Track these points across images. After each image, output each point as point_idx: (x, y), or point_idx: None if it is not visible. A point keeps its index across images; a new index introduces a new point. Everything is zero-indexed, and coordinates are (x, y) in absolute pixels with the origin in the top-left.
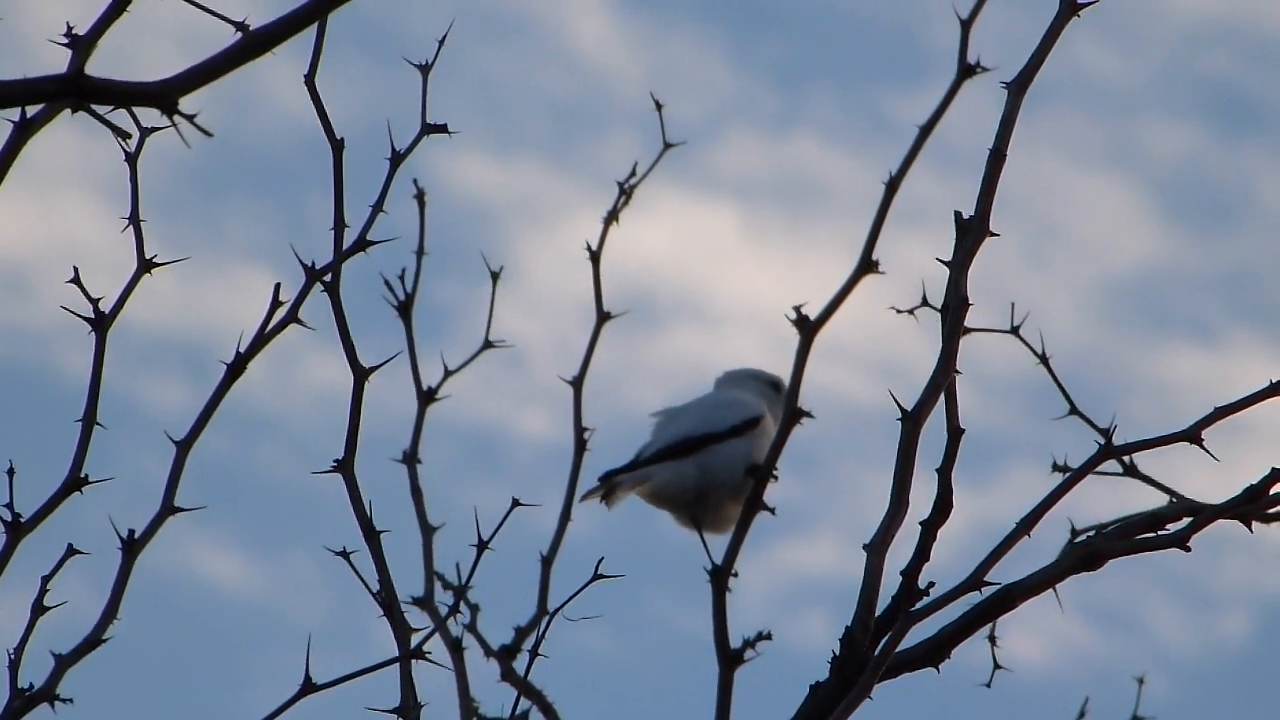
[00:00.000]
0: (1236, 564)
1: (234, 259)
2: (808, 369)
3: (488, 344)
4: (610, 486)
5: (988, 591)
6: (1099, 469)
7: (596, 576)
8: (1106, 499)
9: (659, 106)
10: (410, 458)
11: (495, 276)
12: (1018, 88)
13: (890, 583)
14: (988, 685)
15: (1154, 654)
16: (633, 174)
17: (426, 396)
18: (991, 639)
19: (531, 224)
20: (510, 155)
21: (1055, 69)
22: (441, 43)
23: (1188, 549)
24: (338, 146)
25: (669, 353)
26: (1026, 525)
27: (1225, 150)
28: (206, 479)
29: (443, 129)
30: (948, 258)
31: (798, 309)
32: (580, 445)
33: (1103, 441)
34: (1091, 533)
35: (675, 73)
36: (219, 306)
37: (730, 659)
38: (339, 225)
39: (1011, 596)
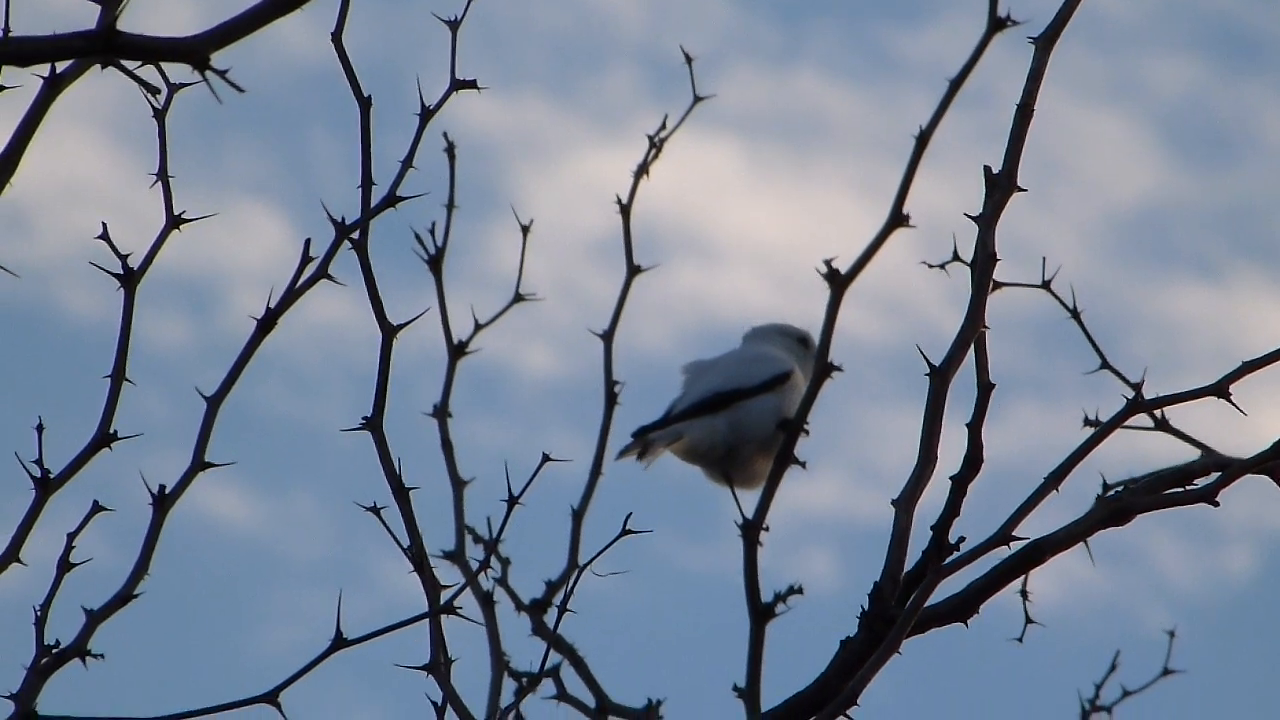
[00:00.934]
0: (1241, 500)
1: (230, 194)
2: (838, 320)
3: (518, 297)
4: (645, 444)
5: (1016, 546)
6: (1130, 424)
7: (624, 532)
8: (1132, 445)
9: (689, 60)
10: (441, 411)
11: (525, 230)
12: (1045, 43)
13: (915, 534)
14: (1019, 640)
15: (1159, 590)
16: (663, 127)
17: (457, 350)
18: (1023, 593)
19: (531, 160)
20: (510, 91)
21: (1056, 3)
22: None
23: (1216, 504)
24: (365, 104)
25: (671, 289)
26: (1055, 480)
27: (1228, 85)
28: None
29: (472, 84)
30: (948, 196)
31: (828, 262)
32: (611, 399)
33: (1132, 395)
34: (1120, 487)
35: (676, 7)
36: (215, 242)
37: (761, 613)
38: (366, 183)
39: (1041, 550)
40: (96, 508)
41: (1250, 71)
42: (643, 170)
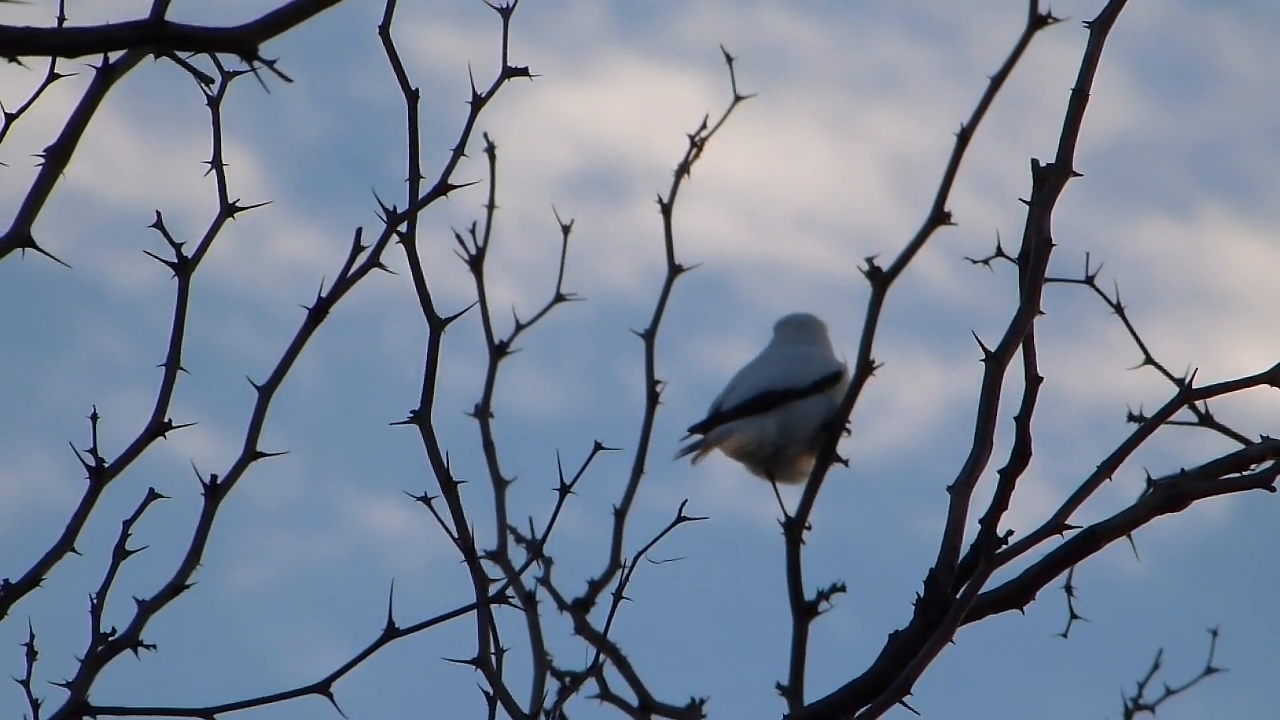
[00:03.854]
0: (1217, 442)
1: (195, 128)
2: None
3: (559, 297)
4: (703, 444)
5: (1070, 535)
6: (1177, 420)
7: (680, 519)
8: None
9: (729, 59)
10: (482, 412)
11: (566, 230)
12: (1100, 26)
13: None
14: (1064, 635)
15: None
16: (704, 126)
17: (498, 350)
18: (1068, 589)
19: (495, 94)
20: (474, 24)
21: None
22: None
23: (1272, 489)
24: (413, 98)
25: (636, 226)
26: (1107, 469)
27: (1198, 17)
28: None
29: (523, 72)
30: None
31: (870, 260)
32: (652, 398)
33: (1181, 388)
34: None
35: None
36: (187, 182)
37: (805, 611)
38: (414, 176)
39: (1096, 537)
40: (152, 495)
41: (1220, 3)
42: (684, 169)
